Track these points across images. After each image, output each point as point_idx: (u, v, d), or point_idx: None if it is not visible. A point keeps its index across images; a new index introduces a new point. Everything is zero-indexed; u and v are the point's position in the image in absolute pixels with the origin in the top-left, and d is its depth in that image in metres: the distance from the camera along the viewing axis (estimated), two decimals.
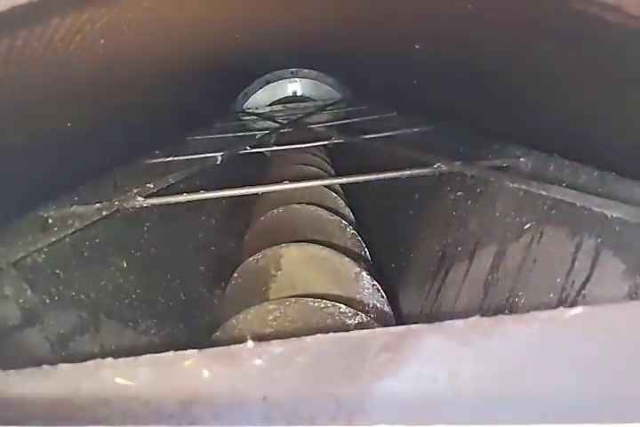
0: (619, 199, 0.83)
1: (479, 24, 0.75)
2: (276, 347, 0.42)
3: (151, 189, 1.21)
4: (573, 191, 0.88)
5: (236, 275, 1.37)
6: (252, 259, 1.36)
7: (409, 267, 1.59)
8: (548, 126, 1.09)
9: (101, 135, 1.28)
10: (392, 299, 1.53)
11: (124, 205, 1.11)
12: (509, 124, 1.29)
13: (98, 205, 1.11)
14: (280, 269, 1.32)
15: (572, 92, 0.82)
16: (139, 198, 1.14)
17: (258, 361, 0.40)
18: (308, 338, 0.43)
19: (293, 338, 0.43)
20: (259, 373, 0.40)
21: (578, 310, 0.45)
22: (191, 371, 0.40)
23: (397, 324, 1.34)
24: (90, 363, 0.40)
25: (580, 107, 0.86)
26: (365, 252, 1.62)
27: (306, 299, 1.05)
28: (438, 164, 1.19)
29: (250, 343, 0.42)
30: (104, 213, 1.05)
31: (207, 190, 1.22)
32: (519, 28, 0.68)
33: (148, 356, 0.41)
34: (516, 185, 1.00)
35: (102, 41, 0.63)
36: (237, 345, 0.42)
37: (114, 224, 1.30)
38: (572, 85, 0.79)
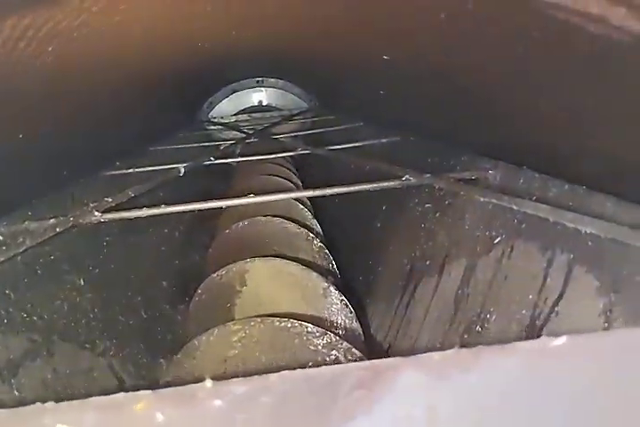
0: (591, 214, 0.82)
1: (451, 35, 0.72)
2: (238, 386, 0.38)
3: (109, 203, 1.16)
4: (545, 206, 0.86)
5: (199, 291, 1.33)
6: (215, 275, 1.32)
7: (377, 280, 1.56)
8: (518, 138, 1.08)
9: (57, 147, 1.22)
10: (360, 313, 1.50)
11: (80, 220, 1.06)
12: (478, 135, 1.27)
13: (52, 220, 1.06)
14: (245, 285, 1.28)
15: (545, 104, 0.80)
16: (96, 213, 1.09)
17: (217, 402, 0.36)
18: (273, 376, 0.39)
19: (256, 376, 0.39)
20: (218, 415, 0.35)
21: (562, 339, 0.42)
22: (143, 415, 0.35)
23: (366, 340, 1.31)
24: (29, 408, 0.36)
25: (552, 119, 0.85)
26: (333, 265, 1.59)
27: (272, 318, 1.01)
28: (407, 176, 1.17)
29: (208, 382, 0.38)
30: (58, 229, 1.00)
31: (169, 203, 1.18)
32: (494, 40, 0.66)
33: (94, 398, 0.37)
34: (486, 199, 0.98)
35: (50, 48, 0.58)
36: (194, 385, 0.38)
37: (70, 240, 1.24)
38: (546, 97, 0.77)
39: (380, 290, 1.52)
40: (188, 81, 2.15)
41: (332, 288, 1.26)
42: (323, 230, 1.93)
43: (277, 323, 0.99)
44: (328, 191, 1.19)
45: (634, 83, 0.60)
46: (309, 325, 0.99)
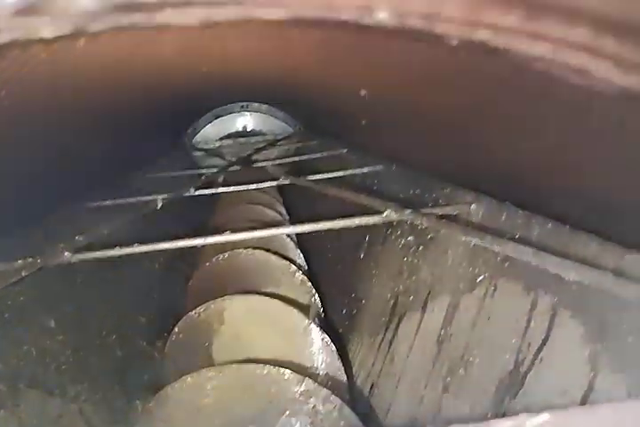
0: (574, 257, 0.79)
1: (431, 76, 0.71)
2: None
3: (81, 241, 1.12)
4: (527, 248, 0.84)
5: (176, 330, 1.28)
6: (193, 312, 1.28)
7: (360, 314, 1.52)
8: (501, 173, 1.06)
9: (29, 182, 1.19)
10: (343, 349, 1.46)
11: (50, 261, 1.02)
12: (460, 168, 1.26)
13: (20, 262, 1.02)
14: (223, 324, 1.24)
15: (528, 144, 0.79)
16: (66, 254, 1.05)
17: None
18: None
19: None
20: None
21: (543, 417, 0.40)
22: None
23: (349, 379, 1.28)
24: None
25: (535, 158, 0.83)
26: (315, 298, 1.56)
27: (247, 365, 0.97)
28: (387, 211, 1.14)
29: None
30: (24, 272, 0.96)
31: (145, 239, 1.15)
32: (474, 84, 0.65)
33: None
34: (468, 238, 0.96)
35: (3, 93, 0.56)
36: None
37: (41, 278, 1.20)
38: (528, 138, 0.76)
39: (364, 325, 1.48)
40: (169, 108, 2.12)
41: (312, 326, 1.22)
42: (307, 260, 1.90)
43: (253, 369, 0.95)
44: (306, 228, 1.16)
45: (616, 129, 0.58)
46: (287, 371, 0.95)
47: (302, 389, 0.94)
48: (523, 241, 0.91)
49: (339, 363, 1.22)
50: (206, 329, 1.25)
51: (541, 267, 0.82)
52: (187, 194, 1.68)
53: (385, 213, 1.15)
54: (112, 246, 1.12)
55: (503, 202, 1.09)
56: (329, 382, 1.16)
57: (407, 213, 1.13)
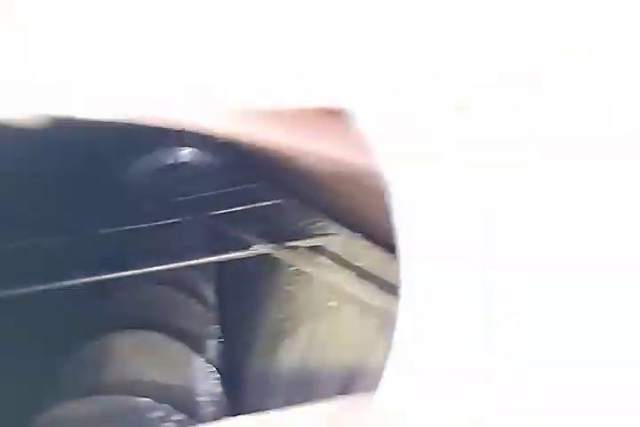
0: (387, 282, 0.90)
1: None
2: None
3: None
4: (359, 280, 0.95)
5: (69, 363, 1.34)
6: (84, 348, 1.34)
7: (254, 341, 1.61)
8: (354, 210, 1.17)
9: None
10: (239, 375, 1.54)
11: None
12: (328, 203, 1.37)
13: None
14: (111, 357, 1.31)
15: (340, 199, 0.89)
16: None
17: None
18: None
19: None
20: None
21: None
22: None
23: (237, 405, 1.35)
24: None
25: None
26: (213, 328, 1.63)
27: (108, 396, 1.05)
28: (255, 245, 1.25)
29: None
30: None
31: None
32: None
33: None
34: (310, 270, 1.06)
35: None
36: None
37: None
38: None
39: (256, 351, 1.56)
40: (103, 146, 2.18)
41: (195, 357, 1.30)
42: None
43: (113, 400, 1.03)
44: (184, 263, 1.26)
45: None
46: (144, 399, 1.03)
47: (158, 415, 1.02)
48: (362, 270, 1.03)
49: (220, 390, 1.30)
50: (95, 363, 1.31)
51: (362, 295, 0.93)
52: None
53: (252, 247, 1.25)
54: None
55: (357, 234, 1.20)
56: (211, 409, 1.24)
57: (271, 247, 1.24)
